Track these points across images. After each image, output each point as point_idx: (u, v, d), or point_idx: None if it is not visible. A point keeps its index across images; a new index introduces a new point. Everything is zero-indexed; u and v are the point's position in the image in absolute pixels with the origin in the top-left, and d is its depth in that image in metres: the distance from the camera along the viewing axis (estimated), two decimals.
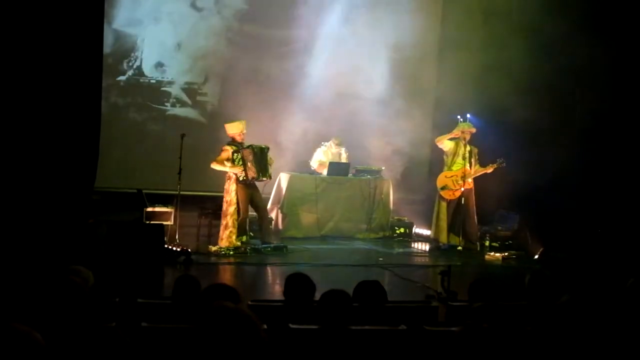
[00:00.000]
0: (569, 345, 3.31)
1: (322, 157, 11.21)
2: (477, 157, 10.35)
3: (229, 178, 9.53)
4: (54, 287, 3.14)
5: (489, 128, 10.47)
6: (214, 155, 9.65)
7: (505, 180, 10.12)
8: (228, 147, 9.49)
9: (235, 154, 9.39)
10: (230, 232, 9.42)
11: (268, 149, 9.74)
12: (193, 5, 11.89)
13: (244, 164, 9.38)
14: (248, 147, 9.50)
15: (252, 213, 9.82)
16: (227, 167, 9.45)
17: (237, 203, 9.49)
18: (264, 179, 9.66)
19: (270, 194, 10.86)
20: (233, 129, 9.58)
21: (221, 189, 9.68)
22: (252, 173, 9.44)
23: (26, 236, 8.46)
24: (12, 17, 10.15)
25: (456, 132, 10.27)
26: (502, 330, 2.99)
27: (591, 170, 9.76)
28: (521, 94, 10.16)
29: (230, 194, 9.49)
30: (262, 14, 12.04)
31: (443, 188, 10.33)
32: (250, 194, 9.59)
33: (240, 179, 9.43)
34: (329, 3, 11.94)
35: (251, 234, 9.89)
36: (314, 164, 11.20)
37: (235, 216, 9.47)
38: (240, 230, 9.52)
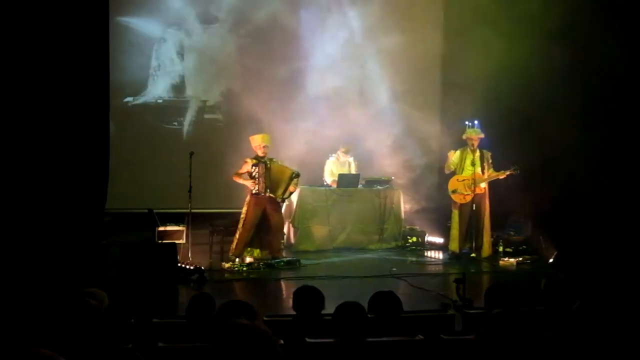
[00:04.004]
0: (588, 349, 3.28)
1: (333, 169, 11.19)
2: (490, 161, 10.29)
3: (248, 190, 9.63)
4: (69, 310, 3.14)
5: (496, 134, 10.42)
6: (225, 171, 9.73)
7: (518, 187, 10.06)
8: (249, 160, 9.64)
9: (254, 167, 9.51)
10: (237, 242, 9.54)
11: (296, 175, 9.71)
12: (200, 24, 11.94)
13: (257, 177, 9.49)
14: (263, 162, 9.55)
15: None
16: (241, 180, 9.62)
17: (246, 215, 9.56)
18: (272, 195, 9.63)
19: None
20: (253, 142, 9.69)
21: (231, 205, 9.69)
22: (259, 187, 9.50)
23: (40, 261, 8.49)
24: (19, 37, 10.23)
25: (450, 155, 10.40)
26: (520, 336, 2.96)
27: (605, 174, 9.61)
28: (530, 98, 10.09)
29: (244, 206, 9.62)
30: (269, 30, 12.05)
31: (454, 191, 10.29)
32: (263, 209, 9.61)
33: (253, 191, 9.53)
34: (334, 16, 11.99)
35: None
36: (327, 178, 11.15)
37: (240, 226, 9.55)
38: (243, 242, 9.54)
